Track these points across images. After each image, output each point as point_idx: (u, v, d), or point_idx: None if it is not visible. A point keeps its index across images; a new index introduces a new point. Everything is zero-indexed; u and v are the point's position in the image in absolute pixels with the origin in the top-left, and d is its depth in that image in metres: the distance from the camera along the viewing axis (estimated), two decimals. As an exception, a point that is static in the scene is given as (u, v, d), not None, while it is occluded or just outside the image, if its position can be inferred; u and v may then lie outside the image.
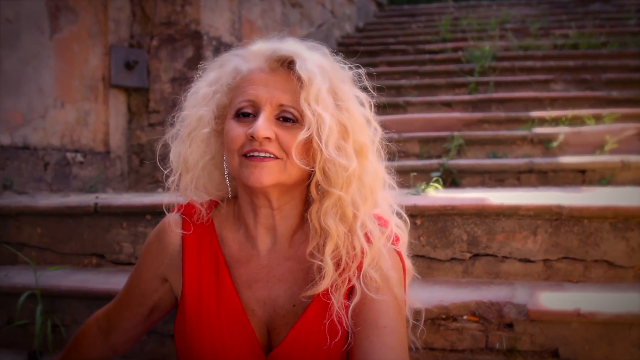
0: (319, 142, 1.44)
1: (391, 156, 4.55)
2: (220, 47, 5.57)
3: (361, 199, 1.50)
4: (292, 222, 1.57)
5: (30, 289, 2.60)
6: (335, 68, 1.53)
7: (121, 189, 5.29)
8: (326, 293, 1.48)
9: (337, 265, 1.49)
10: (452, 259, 2.61)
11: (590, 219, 2.50)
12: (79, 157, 4.94)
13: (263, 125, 1.44)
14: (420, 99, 6.32)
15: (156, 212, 2.87)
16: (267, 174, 1.44)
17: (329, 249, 1.48)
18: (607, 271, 2.49)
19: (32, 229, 3.15)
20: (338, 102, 1.49)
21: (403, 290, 1.56)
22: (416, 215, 2.62)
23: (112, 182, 5.24)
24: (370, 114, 1.56)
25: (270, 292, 1.56)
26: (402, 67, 7.52)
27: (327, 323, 1.48)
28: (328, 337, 1.48)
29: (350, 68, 1.58)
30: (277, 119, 1.48)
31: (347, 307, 1.49)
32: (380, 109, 5.51)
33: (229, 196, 1.65)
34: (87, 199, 3.22)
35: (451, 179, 4.38)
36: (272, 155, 1.45)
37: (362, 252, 1.49)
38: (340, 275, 1.49)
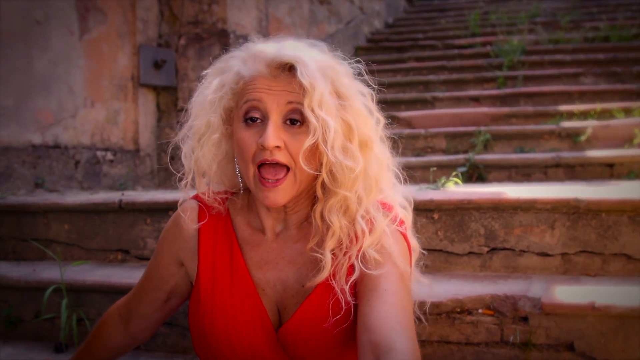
0: (324, 147, 1.48)
1: (418, 152, 4.53)
2: (247, 46, 5.61)
3: (365, 192, 1.55)
4: (301, 214, 1.64)
5: (56, 284, 2.67)
6: (334, 65, 1.55)
7: (151, 186, 5.38)
8: (331, 276, 1.53)
9: (340, 249, 1.54)
10: (470, 253, 2.62)
11: (608, 212, 2.48)
12: (109, 156, 5.03)
13: (272, 135, 1.47)
14: (448, 94, 6.30)
15: (179, 208, 2.92)
16: (282, 196, 1.52)
17: (330, 244, 1.53)
18: (625, 265, 2.48)
19: (59, 225, 3.23)
20: (341, 101, 1.53)
21: (407, 263, 1.58)
22: (433, 210, 2.63)
23: (142, 179, 5.33)
24: (372, 104, 1.60)
25: (280, 273, 1.62)
26: (430, 62, 7.49)
27: (331, 302, 1.53)
28: (331, 315, 1.52)
29: (349, 63, 1.60)
30: (285, 122, 1.51)
31: (351, 287, 1.53)
32: (408, 104, 5.49)
33: (241, 191, 1.69)
34: (113, 196, 3.29)
35: (477, 174, 4.37)
36: (282, 164, 1.50)
37: (363, 234, 1.53)
38: (344, 254, 1.54)
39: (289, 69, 1.52)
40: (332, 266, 1.53)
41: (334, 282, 1.53)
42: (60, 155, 4.58)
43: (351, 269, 1.53)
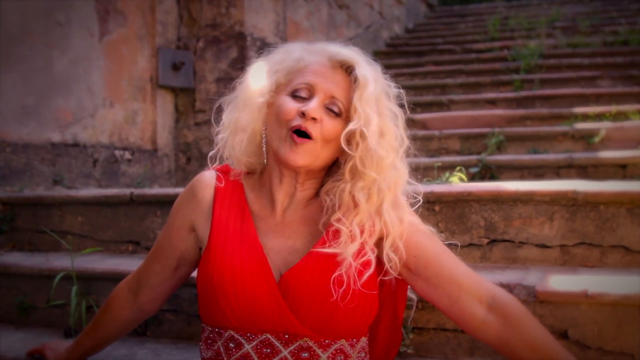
0: (366, 134, 1.68)
1: (432, 153, 4.59)
2: (264, 48, 5.67)
3: (387, 188, 1.72)
4: (308, 193, 1.81)
5: (66, 271, 2.75)
6: (384, 83, 1.79)
7: (168, 186, 5.46)
8: (336, 238, 1.69)
9: (361, 232, 1.70)
10: (470, 244, 2.65)
11: (606, 204, 2.51)
12: (127, 155, 5.13)
13: (315, 107, 1.68)
14: (464, 97, 6.33)
15: (187, 201, 3.00)
16: (302, 156, 1.69)
17: (357, 219, 1.70)
18: (624, 257, 2.50)
19: (73, 217, 3.33)
20: (380, 110, 1.73)
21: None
22: (434, 202, 2.68)
23: (159, 179, 5.42)
24: (401, 127, 1.79)
25: (286, 241, 1.77)
26: (448, 66, 7.54)
27: (335, 276, 1.67)
28: (336, 288, 1.66)
29: (395, 87, 1.81)
30: (325, 107, 1.71)
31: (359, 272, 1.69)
32: (424, 107, 5.54)
33: (265, 161, 1.84)
34: (125, 190, 3.38)
35: (490, 174, 4.40)
36: (311, 137, 1.68)
37: (381, 234, 1.72)
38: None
39: (347, 69, 1.75)
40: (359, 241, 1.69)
41: (344, 254, 1.67)
42: (79, 154, 4.68)
43: (367, 263, 1.70)
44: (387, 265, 1.72)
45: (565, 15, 9.06)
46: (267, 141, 1.78)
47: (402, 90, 1.83)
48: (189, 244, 1.89)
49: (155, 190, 3.23)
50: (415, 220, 1.80)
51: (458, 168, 3.12)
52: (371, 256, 1.70)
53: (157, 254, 1.96)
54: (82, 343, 2.12)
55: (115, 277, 2.72)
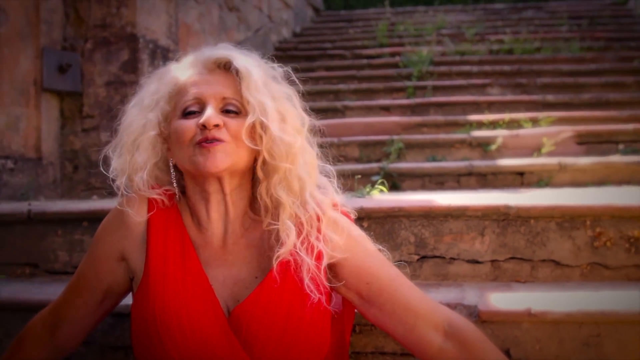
0: (266, 123, 1.59)
1: (332, 160, 4.49)
2: (157, 50, 5.45)
3: (306, 174, 1.64)
4: (241, 205, 1.68)
5: (-42, 301, 2.46)
6: (266, 67, 1.71)
7: (54, 196, 5.11)
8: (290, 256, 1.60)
9: (299, 231, 1.61)
10: (400, 261, 2.58)
11: (537, 218, 2.50)
12: (9, 164, 4.74)
13: (212, 114, 1.58)
14: (358, 103, 6.32)
15: (94, 219, 2.75)
16: (221, 158, 1.57)
17: (283, 216, 1.60)
18: (554, 270, 2.50)
19: (-41, 238, 2.99)
20: (273, 94, 1.64)
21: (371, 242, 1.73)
22: (363, 218, 2.59)
23: (44, 189, 5.06)
24: (298, 105, 1.72)
25: (230, 269, 1.64)
26: (340, 71, 7.51)
27: (289, 285, 1.59)
28: (292, 299, 1.58)
29: (279, 66, 1.75)
30: (222, 111, 1.61)
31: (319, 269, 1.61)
32: (319, 113, 5.45)
33: (177, 197, 1.71)
34: (20, 206, 3.07)
35: (392, 182, 4.38)
36: (221, 140, 1.57)
37: (318, 218, 1.63)
38: (302, 240, 1.61)
39: (224, 66, 1.67)
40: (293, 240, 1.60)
41: (300, 255, 1.59)
42: (-44, 163, 4.29)
43: (319, 253, 1.61)
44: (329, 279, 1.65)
45: (450, 22, 9.29)
46: (180, 168, 1.67)
47: (289, 67, 1.76)
48: (118, 275, 1.72)
49: (58, 207, 2.95)
50: (363, 239, 1.72)
51: (380, 180, 3.05)
52: (320, 246, 1.62)
53: (79, 286, 1.76)
54: None
55: (15, 307, 2.47)
